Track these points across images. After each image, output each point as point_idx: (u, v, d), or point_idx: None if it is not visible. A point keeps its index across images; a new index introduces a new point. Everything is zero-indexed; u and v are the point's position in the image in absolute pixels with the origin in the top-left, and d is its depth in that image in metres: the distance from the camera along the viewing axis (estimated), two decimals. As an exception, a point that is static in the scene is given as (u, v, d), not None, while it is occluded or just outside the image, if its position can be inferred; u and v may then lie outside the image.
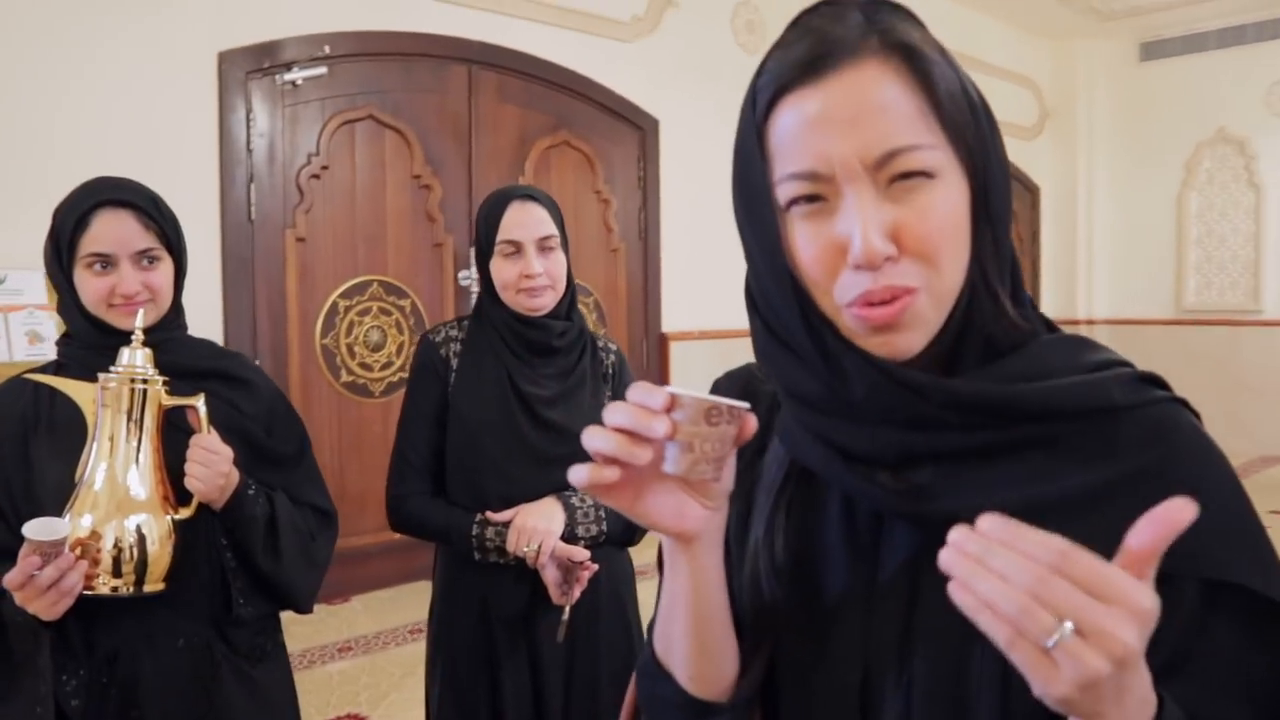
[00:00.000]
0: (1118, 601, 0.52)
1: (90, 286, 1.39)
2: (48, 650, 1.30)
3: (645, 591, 1.91)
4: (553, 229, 1.71)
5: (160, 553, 1.32)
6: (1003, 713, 0.64)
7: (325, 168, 4.12)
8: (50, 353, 2.90)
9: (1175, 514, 0.53)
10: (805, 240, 0.67)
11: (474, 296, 4.55)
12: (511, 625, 1.67)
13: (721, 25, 5.68)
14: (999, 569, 0.53)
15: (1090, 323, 8.15)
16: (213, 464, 1.35)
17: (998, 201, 0.69)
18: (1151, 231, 8.14)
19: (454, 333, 1.77)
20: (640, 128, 5.30)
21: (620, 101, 5.18)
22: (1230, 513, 0.65)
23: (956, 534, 0.55)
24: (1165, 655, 0.61)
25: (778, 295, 0.69)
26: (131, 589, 1.30)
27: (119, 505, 1.30)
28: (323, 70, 4.05)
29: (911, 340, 0.66)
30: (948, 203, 0.66)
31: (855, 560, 0.72)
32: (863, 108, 0.65)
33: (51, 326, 2.96)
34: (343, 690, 3.24)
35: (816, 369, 0.69)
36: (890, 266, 0.64)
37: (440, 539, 1.73)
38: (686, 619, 0.74)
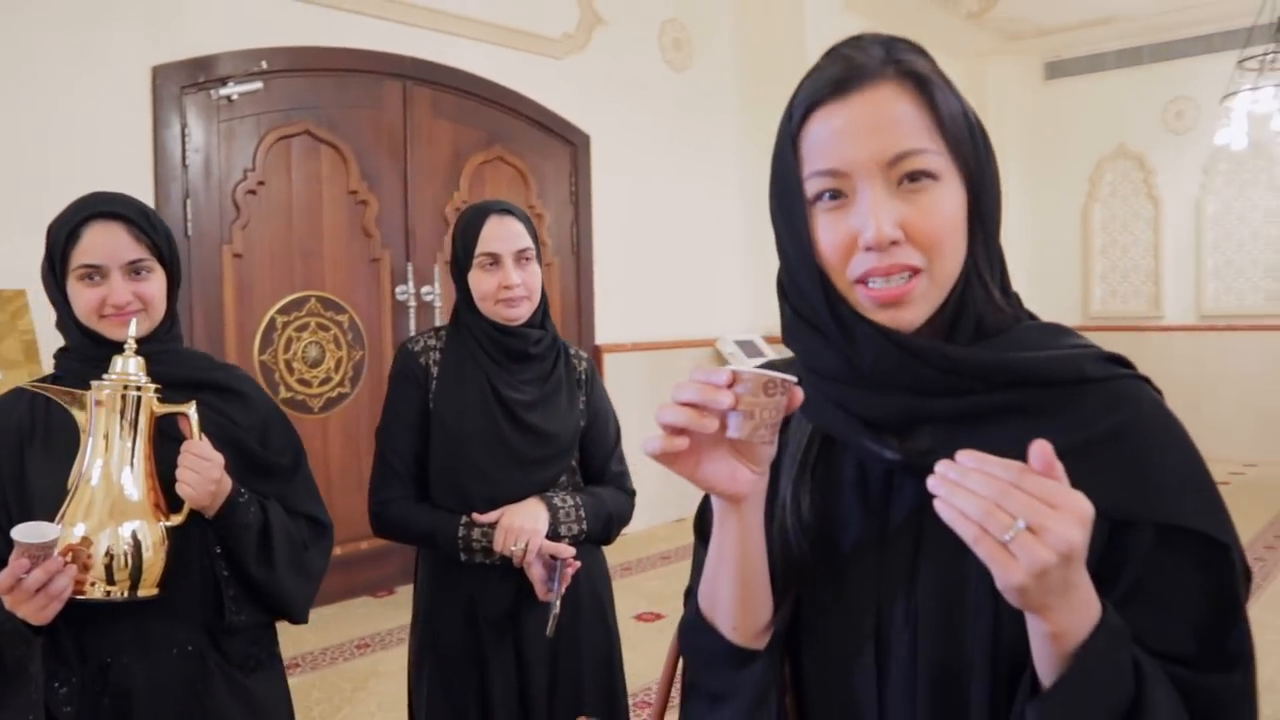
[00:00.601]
0: (1063, 506, 0.65)
1: (82, 298, 1.41)
2: (40, 657, 1.30)
3: (619, 590, 1.98)
4: (529, 242, 1.77)
5: (154, 559, 1.33)
6: (992, 640, 0.76)
7: (261, 183, 4.10)
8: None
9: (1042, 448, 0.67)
10: (827, 230, 0.80)
11: (412, 311, 4.58)
12: (498, 624, 1.72)
13: (649, 43, 5.79)
14: (971, 486, 0.66)
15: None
16: (203, 470, 1.37)
17: (990, 207, 0.82)
18: (1059, 242, 8.51)
19: (432, 342, 1.82)
20: (572, 143, 5.38)
21: (552, 117, 5.25)
22: (1184, 469, 0.77)
23: (941, 465, 0.68)
24: (1122, 589, 0.74)
25: (805, 277, 0.82)
26: (126, 594, 1.31)
27: (112, 511, 1.32)
28: (258, 85, 4.03)
29: (915, 314, 0.79)
30: (948, 203, 0.79)
31: (868, 514, 0.84)
32: (880, 120, 0.78)
33: (-11, 344, 2.91)
34: (295, 706, 3.22)
35: (834, 341, 0.81)
36: (895, 250, 0.77)
37: (426, 542, 1.76)
38: (733, 574, 0.84)
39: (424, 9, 4.61)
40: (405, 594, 4.49)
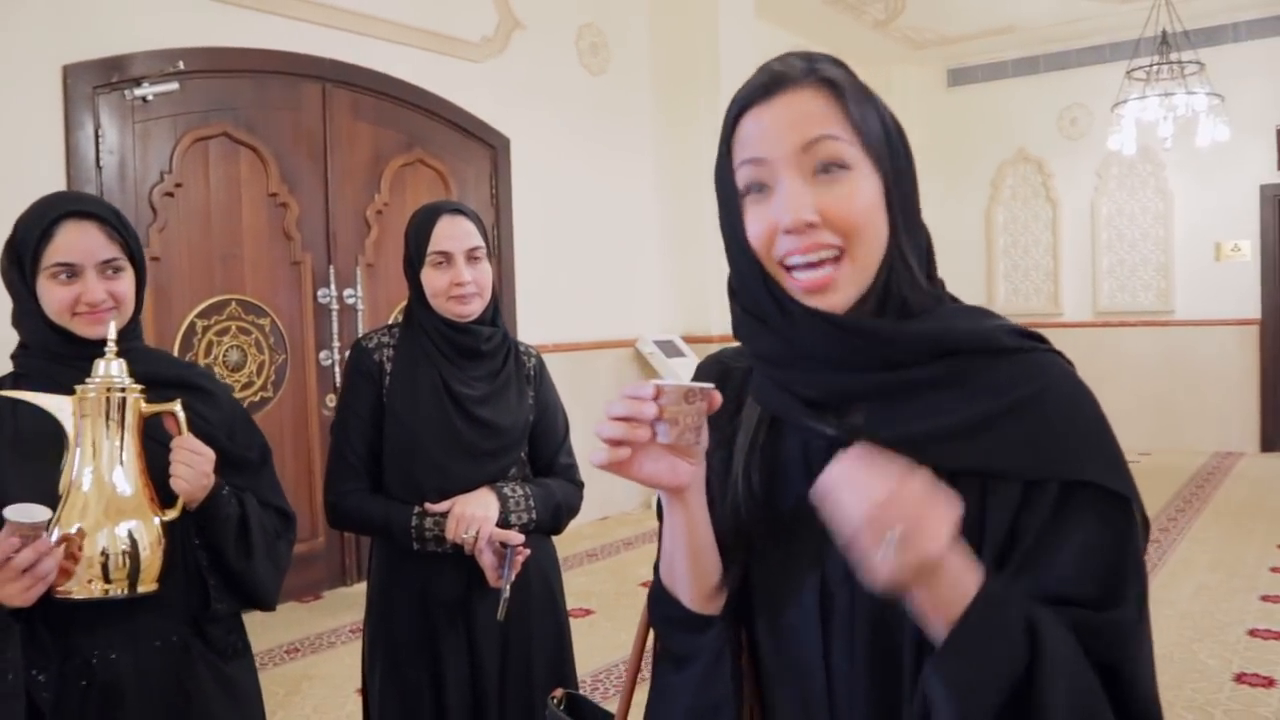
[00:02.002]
0: (929, 518, 0.75)
1: (55, 296, 1.41)
2: (18, 643, 1.30)
3: (570, 578, 2.03)
4: (479, 240, 1.82)
5: (151, 556, 1.35)
6: None
7: (179, 185, 4.05)
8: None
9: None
10: (753, 220, 0.88)
11: (334, 314, 4.56)
12: (450, 610, 1.77)
13: (566, 47, 5.85)
14: (854, 491, 0.77)
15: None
16: (197, 464, 1.40)
17: (909, 200, 0.91)
18: (964, 243, 8.82)
19: (386, 339, 1.86)
20: (492, 146, 5.40)
21: (472, 120, 5.27)
22: (1087, 430, 0.85)
23: (831, 468, 0.79)
24: (1029, 542, 0.83)
25: (744, 268, 0.91)
26: (125, 591, 1.33)
27: (107, 511, 1.33)
28: (174, 86, 3.97)
29: (841, 298, 0.87)
30: (862, 191, 0.87)
31: (811, 485, 0.90)
32: (797, 115, 0.87)
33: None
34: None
35: (776, 326, 0.89)
36: (813, 232, 0.85)
37: (380, 532, 1.80)
38: (685, 552, 0.93)
39: (343, 11, 4.59)
40: (333, 598, 4.46)
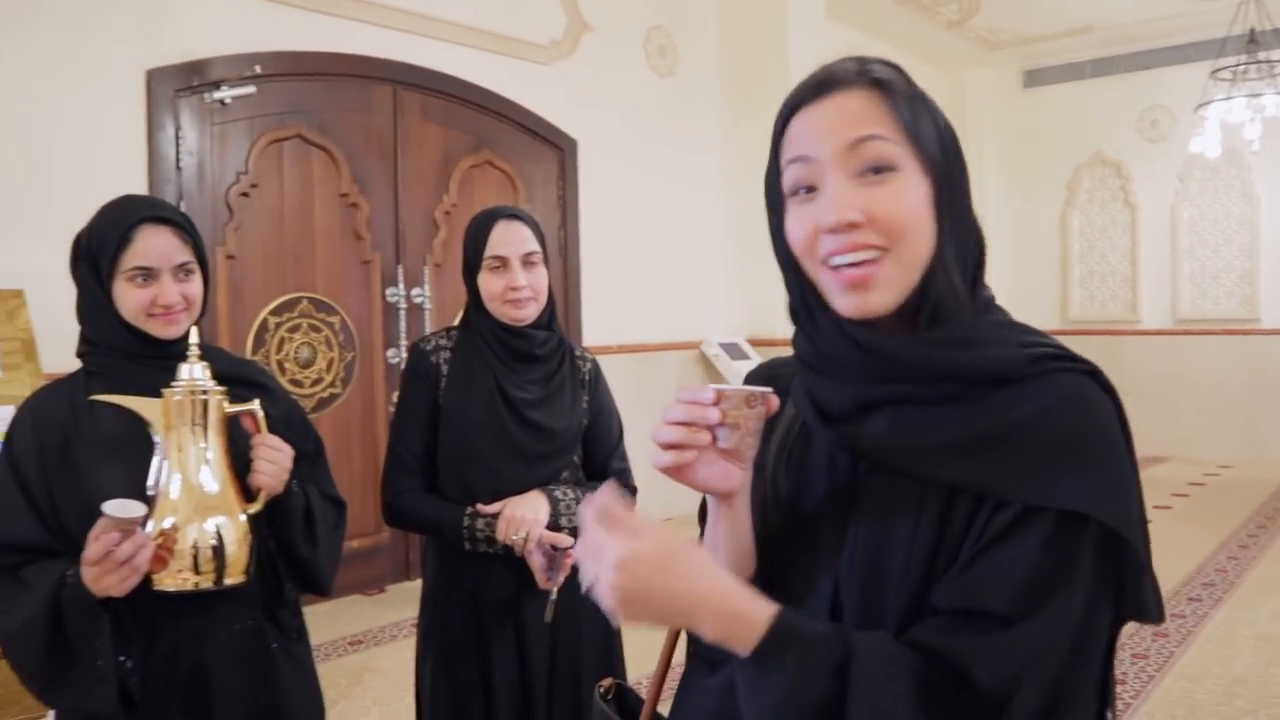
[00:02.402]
0: (603, 562, 0.80)
1: (132, 298, 1.47)
2: (108, 631, 1.37)
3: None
4: (536, 246, 1.84)
5: (239, 551, 1.43)
6: (912, 602, 0.84)
7: (254, 186, 4.15)
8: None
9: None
10: (796, 222, 0.88)
11: (402, 313, 4.63)
12: (500, 609, 1.80)
13: (635, 49, 5.87)
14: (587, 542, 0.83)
15: (984, 335, 8.57)
16: (279, 460, 1.47)
17: (954, 198, 0.88)
18: (1038, 247, 8.64)
19: (444, 341, 1.89)
20: (559, 148, 5.44)
21: (540, 122, 5.32)
22: (1074, 455, 0.81)
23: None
24: (965, 556, 0.81)
25: (785, 269, 0.92)
26: (213, 583, 1.40)
27: (196, 508, 1.40)
28: (251, 89, 4.08)
29: (882, 299, 0.86)
30: (909, 193, 0.86)
31: (834, 489, 0.92)
32: (846, 116, 0.87)
33: (-12, 344, 2.95)
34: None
35: (807, 328, 0.91)
36: (856, 232, 0.84)
37: (433, 531, 1.84)
38: (727, 556, 0.94)
39: (415, 15, 4.67)
40: (396, 592, 4.54)
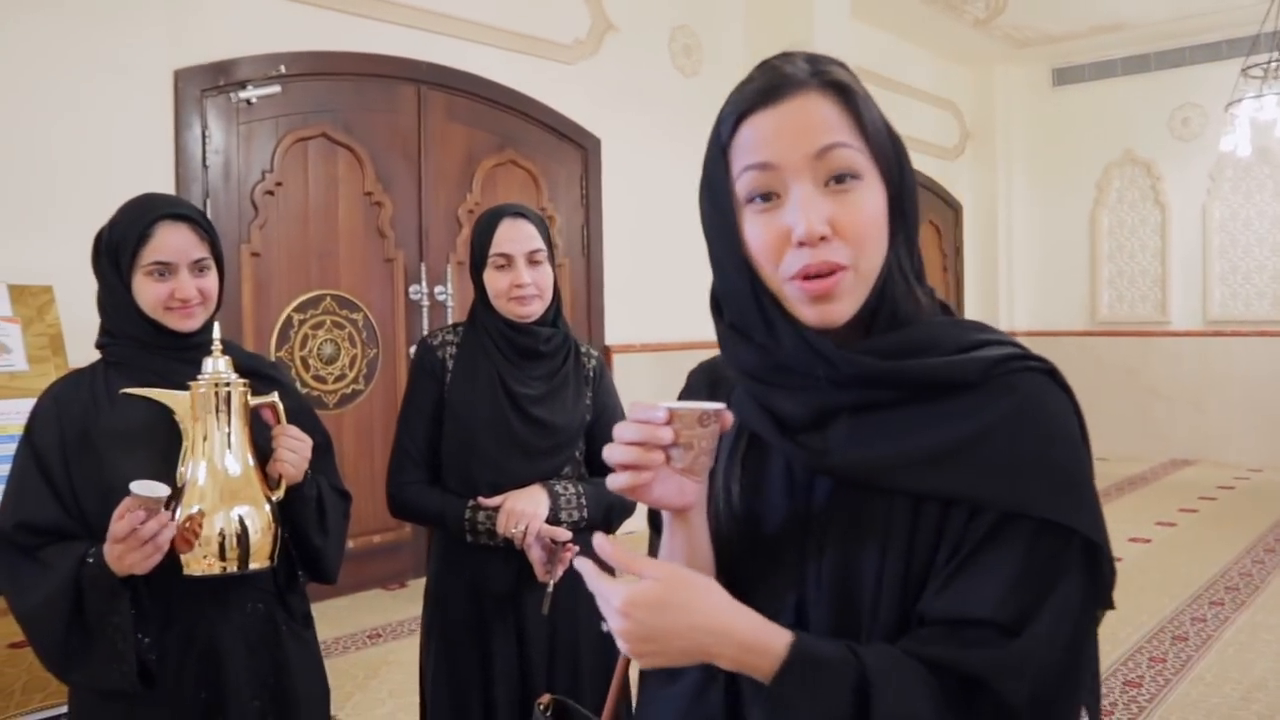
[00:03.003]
0: (609, 610, 0.82)
1: (151, 292, 1.53)
2: (128, 609, 1.43)
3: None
4: (540, 244, 1.87)
5: (263, 538, 1.48)
6: (893, 618, 0.84)
7: (279, 184, 4.21)
8: (17, 364, 2.97)
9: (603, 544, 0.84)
10: (758, 231, 0.86)
11: (425, 310, 4.68)
12: (500, 600, 1.83)
13: (659, 48, 5.89)
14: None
15: (1011, 334, 8.49)
16: (300, 450, 1.53)
17: (910, 207, 0.89)
18: (1067, 247, 8.57)
19: (450, 337, 1.93)
20: (583, 146, 5.47)
21: (563, 121, 5.35)
22: (1046, 462, 0.82)
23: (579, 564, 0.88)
24: (955, 563, 0.82)
25: (735, 280, 0.88)
26: (238, 568, 1.46)
27: (222, 495, 1.46)
28: (277, 89, 4.14)
29: (843, 309, 0.86)
30: (871, 202, 0.86)
31: (793, 503, 0.91)
32: (806, 122, 0.84)
33: (17, 338, 3.02)
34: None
35: (760, 339, 0.88)
36: (825, 246, 0.83)
37: (435, 523, 1.88)
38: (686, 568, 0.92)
39: (439, 15, 4.71)
40: (416, 587, 4.58)
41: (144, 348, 1.55)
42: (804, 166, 0.84)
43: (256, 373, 1.63)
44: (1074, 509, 0.82)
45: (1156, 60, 8.07)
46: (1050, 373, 0.87)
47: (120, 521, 1.35)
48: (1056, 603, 0.80)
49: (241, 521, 1.46)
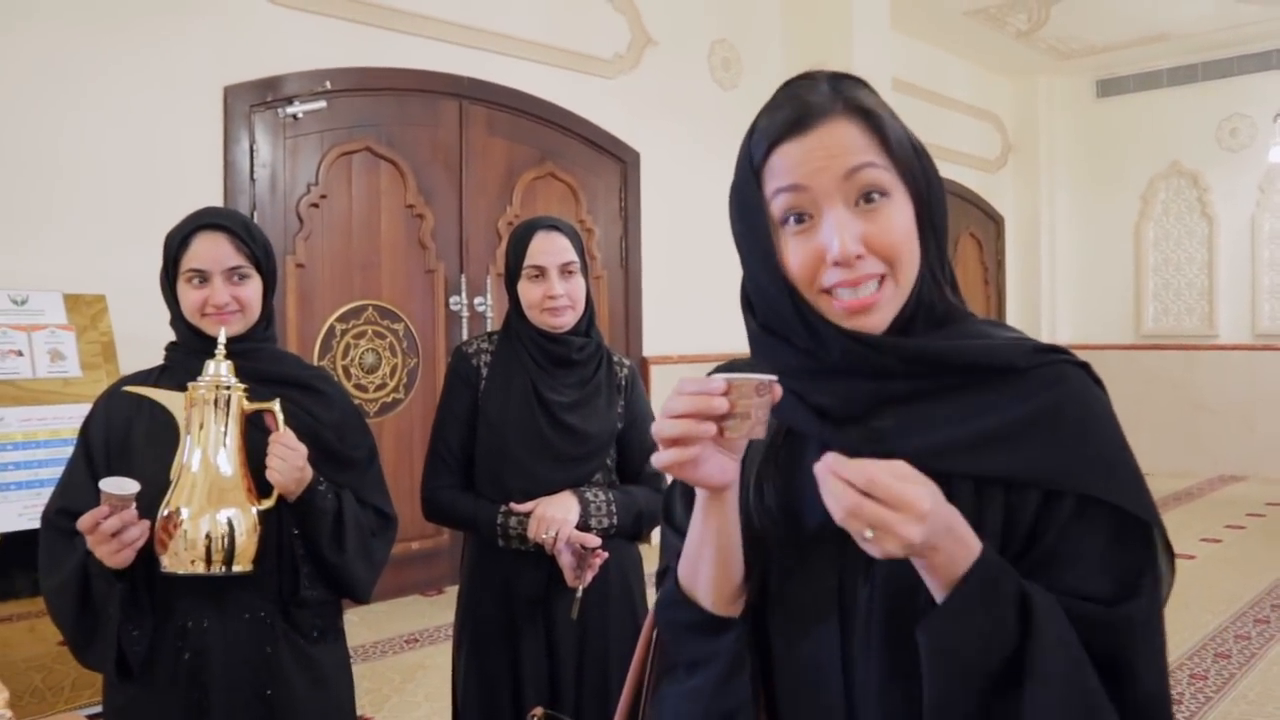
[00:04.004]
0: (902, 509, 0.76)
1: (188, 298, 1.60)
2: (117, 599, 1.48)
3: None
4: (573, 256, 1.91)
5: (248, 541, 1.51)
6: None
7: (324, 197, 4.31)
8: (71, 370, 3.07)
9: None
10: (795, 251, 0.90)
11: (464, 321, 4.75)
12: (530, 604, 1.87)
13: (699, 63, 5.93)
14: (834, 489, 0.79)
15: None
16: (290, 459, 1.54)
17: (939, 218, 0.93)
18: (1111, 260, 8.47)
19: (485, 345, 1.98)
20: (622, 160, 5.52)
21: (603, 135, 5.40)
22: (1105, 446, 0.87)
23: (818, 465, 0.81)
24: (1043, 549, 0.85)
25: (773, 292, 0.92)
26: (222, 570, 1.49)
27: (210, 497, 1.49)
28: (322, 104, 4.24)
29: (881, 318, 0.89)
30: (900, 217, 0.89)
31: None
32: (834, 149, 0.88)
33: (72, 345, 3.12)
34: (345, 695, 3.37)
35: (802, 344, 0.91)
36: (859, 263, 0.87)
37: (468, 527, 1.92)
38: (714, 551, 0.93)
39: (480, 31, 4.80)
40: (453, 593, 4.61)
41: (190, 353, 1.61)
42: (834, 189, 0.87)
43: (296, 382, 1.67)
44: (1147, 506, 0.85)
45: (1204, 70, 7.97)
46: (1085, 367, 0.91)
47: (85, 516, 1.42)
48: (1148, 586, 0.84)
49: (228, 524, 1.48)
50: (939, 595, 0.82)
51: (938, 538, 0.79)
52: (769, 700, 0.97)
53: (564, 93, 5.19)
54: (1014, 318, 8.62)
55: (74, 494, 1.57)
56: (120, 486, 1.40)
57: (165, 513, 1.48)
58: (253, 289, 1.63)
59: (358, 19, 4.35)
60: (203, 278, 1.59)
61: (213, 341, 1.57)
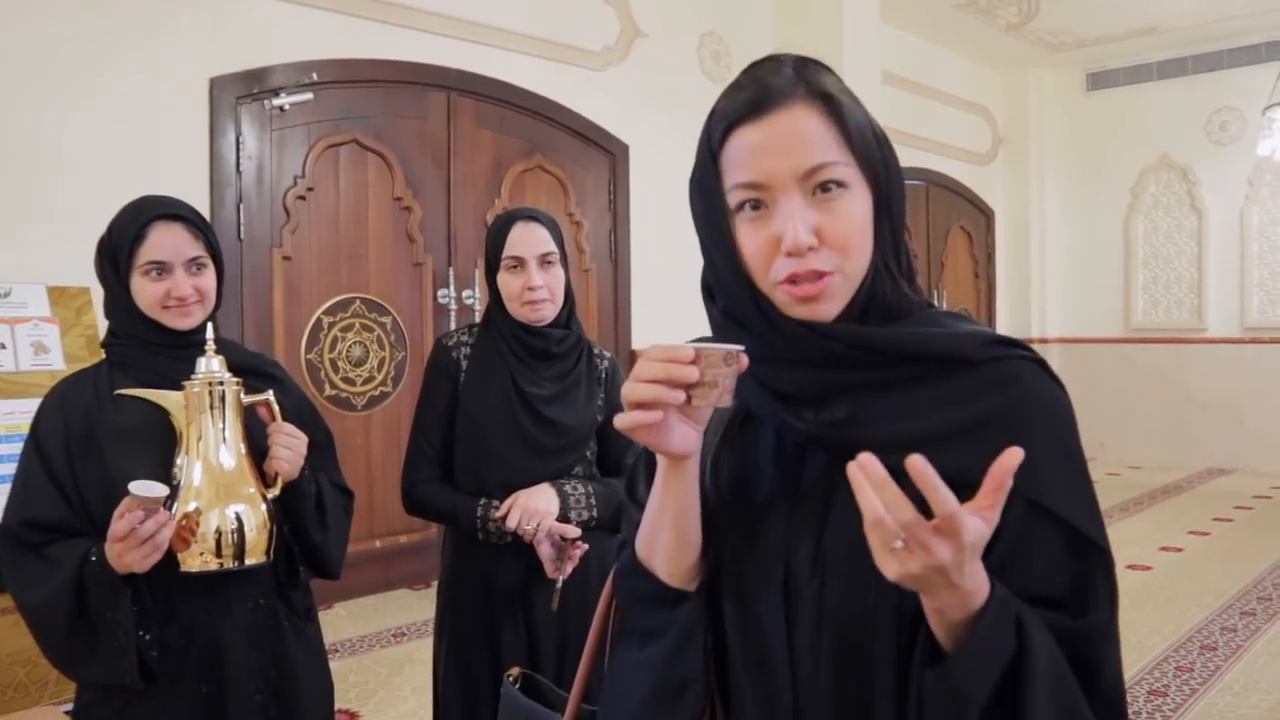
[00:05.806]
0: (943, 531, 0.73)
1: (147, 291, 1.56)
2: (128, 605, 1.46)
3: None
4: (552, 247, 1.90)
5: (259, 534, 1.51)
6: (897, 591, 0.82)
7: (311, 189, 4.29)
8: (55, 363, 3.05)
9: (1009, 460, 0.74)
10: (749, 237, 0.89)
11: (452, 314, 4.73)
12: (510, 596, 1.87)
13: (688, 55, 5.91)
14: (870, 493, 0.74)
15: (1044, 341, 8.45)
16: (295, 447, 1.56)
17: (896, 207, 0.92)
18: (1101, 253, 8.48)
19: (465, 338, 1.97)
20: (610, 152, 5.51)
21: (591, 127, 5.39)
22: (1055, 449, 0.86)
23: (856, 465, 0.75)
24: (999, 554, 0.82)
25: (730, 279, 0.91)
26: (235, 564, 1.49)
27: (218, 493, 1.49)
28: (309, 96, 4.21)
29: (829, 308, 0.89)
30: (856, 208, 0.88)
31: (782, 476, 0.94)
32: (793, 137, 0.87)
33: (55, 338, 3.10)
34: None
35: (759, 331, 0.91)
36: (812, 254, 0.86)
37: (448, 520, 1.92)
38: (672, 522, 0.94)
39: (468, 23, 4.78)
40: (442, 587, 4.64)
41: (145, 347, 1.58)
42: (791, 182, 0.87)
43: (254, 370, 1.66)
44: (1096, 522, 0.86)
45: (1194, 64, 7.98)
46: (1041, 364, 0.90)
47: (120, 521, 1.38)
48: (1106, 591, 0.85)
49: (238, 518, 1.48)
50: (940, 627, 0.80)
51: (959, 574, 0.75)
52: (721, 674, 0.97)
53: (552, 85, 5.17)
54: (1004, 310, 8.64)
55: (37, 503, 1.52)
56: (150, 489, 1.37)
57: (184, 510, 1.46)
58: (210, 279, 1.61)
59: (344, 10, 4.33)
60: (162, 269, 1.55)
61: (173, 334, 1.56)
